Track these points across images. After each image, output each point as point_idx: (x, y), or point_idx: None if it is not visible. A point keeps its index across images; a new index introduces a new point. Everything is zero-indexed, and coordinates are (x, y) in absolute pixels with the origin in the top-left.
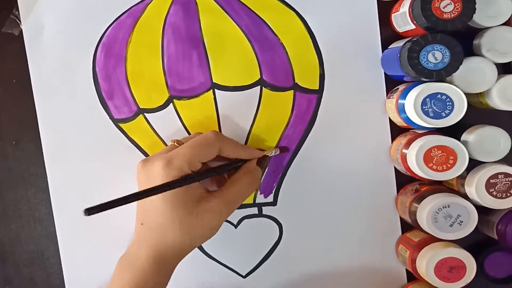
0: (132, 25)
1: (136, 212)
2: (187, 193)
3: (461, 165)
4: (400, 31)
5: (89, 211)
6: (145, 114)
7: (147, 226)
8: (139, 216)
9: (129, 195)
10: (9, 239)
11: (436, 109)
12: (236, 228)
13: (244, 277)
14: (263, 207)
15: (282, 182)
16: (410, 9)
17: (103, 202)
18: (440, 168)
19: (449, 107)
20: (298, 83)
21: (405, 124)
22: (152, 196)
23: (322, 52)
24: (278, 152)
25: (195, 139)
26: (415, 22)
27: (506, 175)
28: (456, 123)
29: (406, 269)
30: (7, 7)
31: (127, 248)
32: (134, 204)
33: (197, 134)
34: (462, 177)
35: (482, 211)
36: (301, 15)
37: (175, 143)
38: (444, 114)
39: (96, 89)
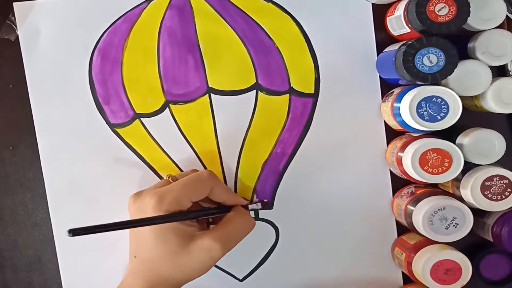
0: (128, 30)
1: (129, 245)
2: (178, 229)
3: (456, 168)
4: (395, 35)
5: (74, 232)
6: (142, 118)
7: (140, 259)
8: (132, 249)
9: (117, 222)
10: (7, 244)
11: (431, 112)
12: None
13: (241, 280)
14: (259, 211)
15: (278, 185)
16: (405, 13)
17: (90, 225)
18: (435, 171)
19: (444, 110)
20: (293, 87)
21: (401, 128)
22: (143, 229)
23: (317, 56)
24: (260, 206)
25: (189, 177)
26: (410, 25)
27: (501, 177)
28: (451, 126)
29: (402, 272)
30: (3, 12)
31: (121, 280)
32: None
33: (192, 171)
34: (458, 180)
35: (478, 213)
36: (296, 19)
37: (170, 179)
38: (439, 117)
39: (92, 94)
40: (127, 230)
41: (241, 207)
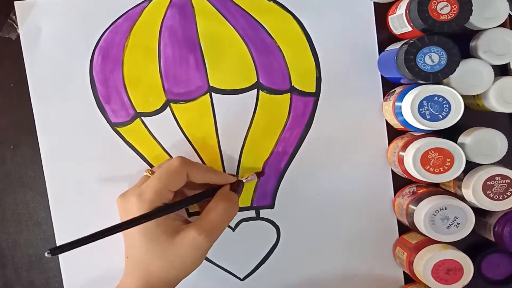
0: (129, 29)
1: (124, 246)
2: (164, 225)
3: (458, 167)
4: (397, 33)
5: (53, 252)
6: (142, 118)
7: (132, 260)
8: (125, 250)
9: (99, 232)
10: (8, 243)
11: (433, 112)
12: (233, 231)
13: (242, 280)
14: (260, 210)
15: (279, 185)
16: (407, 11)
17: (70, 240)
18: (437, 170)
19: (446, 109)
20: (294, 86)
21: (402, 127)
22: (131, 230)
23: (318, 54)
24: (255, 178)
25: (161, 169)
26: (412, 24)
27: (503, 177)
28: (453, 125)
29: (403, 271)
30: (4, 11)
31: (120, 281)
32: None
33: (165, 162)
34: (459, 179)
35: (479, 213)
36: (297, 18)
37: (149, 173)
38: (441, 116)
39: (93, 93)
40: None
41: (224, 189)
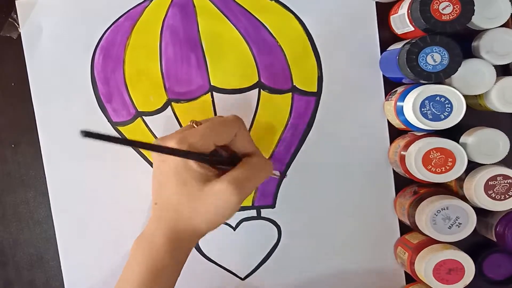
0: (130, 28)
1: (152, 192)
2: (197, 172)
3: (460, 167)
4: (399, 33)
5: (86, 134)
6: (144, 117)
7: (160, 205)
8: (153, 196)
9: (134, 141)
10: (9, 242)
11: (435, 111)
12: (234, 230)
13: (243, 279)
14: (261, 210)
15: (280, 184)
16: (409, 11)
17: (106, 134)
18: (438, 170)
19: (447, 109)
20: (296, 85)
21: (404, 126)
22: (165, 174)
23: (320, 54)
24: (278, 174)
25: (214, 119)
26: (413, 24)
27: (505, 177)
28: (455, 125)
29: (405, 271)
30: (6, 10)
31: (143, 229)
32: (137, 207)
33: (216, 117)
34: (461, 179)
35: (481, 213)
36: (299, 17)
37: (193, 124)
38: (443, 116)
39: (94, 92)
40: (131, 228)
41: (257, 153)
